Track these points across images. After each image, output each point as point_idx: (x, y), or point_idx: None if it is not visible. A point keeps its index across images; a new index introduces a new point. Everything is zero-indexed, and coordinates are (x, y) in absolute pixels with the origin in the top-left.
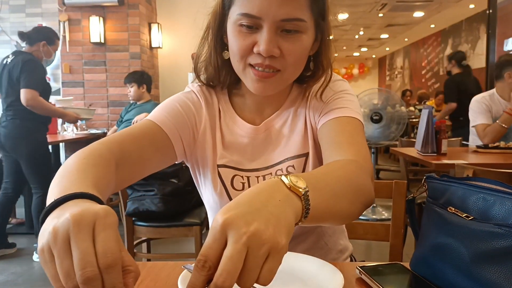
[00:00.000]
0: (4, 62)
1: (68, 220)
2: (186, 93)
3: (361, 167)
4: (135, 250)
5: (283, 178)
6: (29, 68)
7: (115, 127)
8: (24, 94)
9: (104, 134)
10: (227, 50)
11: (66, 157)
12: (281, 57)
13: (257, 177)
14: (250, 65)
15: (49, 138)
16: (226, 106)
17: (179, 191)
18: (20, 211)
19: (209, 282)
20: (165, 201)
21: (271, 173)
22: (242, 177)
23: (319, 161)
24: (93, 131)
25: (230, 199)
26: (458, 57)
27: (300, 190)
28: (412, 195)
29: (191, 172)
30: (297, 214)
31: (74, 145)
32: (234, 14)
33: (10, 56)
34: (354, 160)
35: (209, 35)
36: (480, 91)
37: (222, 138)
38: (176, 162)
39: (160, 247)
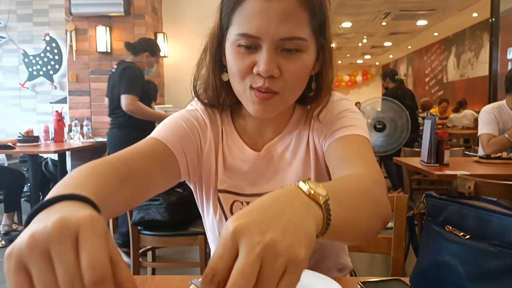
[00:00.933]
0: (110, 73)
1: (48, 229)
2: (190, 110)
3: (376, 181)
4: (140, 259)
5: (301, 184)
6: (127, 75)
7: None
8: (123, 100)
9: None
10: (226, 72)
11: (73, 165)
12: (281, 78)
13: None
14: (250, 87)
15: (56, 146)
16: (229, 128)
17: (184, 200)
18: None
19: None
20: (170, 210)
21: None
22: (242, 203)
23: None
24: (99, 139)
25: None
26: (390, 74)
27: (321, 198)
28: (412, 212)
29: (193, 192)
30: (318, 224)
31: (80, 153)
32: (232, 35)
33: (115, 66)
34: (367, 174)
35: (206, 56)
36: (413, 101)
37: (224, 161)
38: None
39: (166, 255)
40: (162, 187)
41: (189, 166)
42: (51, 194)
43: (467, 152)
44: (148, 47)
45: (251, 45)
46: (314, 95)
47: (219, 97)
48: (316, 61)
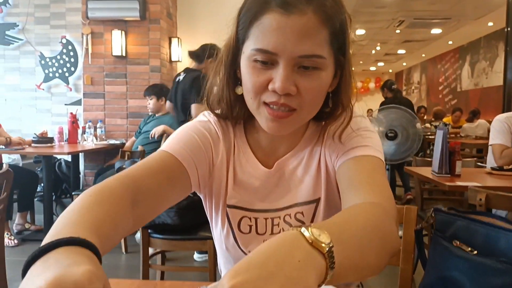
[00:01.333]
0: (177, 80)
1: None
2: (202, 122)
3: (386, 211)
4: (150, 262)
5: (304, 231)
6: (198, 84)
7: (133, 138)
8: (194, 109)
9: (122, 145)
10: (240, 84)
11: (86, 166)
12: (297, 95)
13: (266, 219)
14: (265, 103)
15: (69, 148)
16: (242, 142)
17: (195, 205)
18: (39, 217)
19: None
20: (180, 214)
21: (279, 217)
22: (250, 218)
23: (331, 207)
24: (112, 141)
25: (236, 241)
26: (388, 85)
27: (324, 246)
28: (420, 225)
29: (203, 203)
30: (319, 276)
31: (93, 155)
32: (248, 49)
33: (182, 74)
34: (377, 204)
35: (221, 69)
36: (412, 109)
37: (235, 175)
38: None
39: (175, 258)
40: (173, 201)
41: (200, 179)
42: (51, 230)
43: (479, 163)
44: (210, 53)
45: (267, 61)
46: (329, 111)
47: (233, 110)
48: (334, 78)
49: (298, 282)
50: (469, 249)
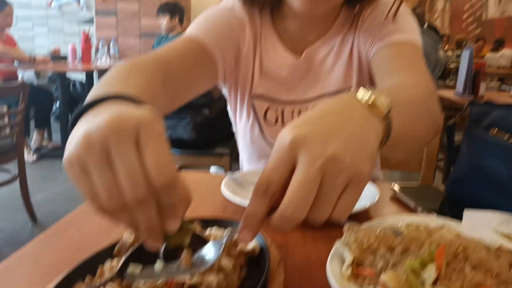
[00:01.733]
0: None
1: (105, 126)
2: (228, 8)
3: (430, 89)
4: None
5: (361, 92)
6: None
7: None
8: None
9: None
10: None
11: None
12: None
13: (292, 110)
14: None
15: (83, 66)
16: (268, 29)
17: (211, 122)
18: (56, 136)
19: (270, 212)
20: (197, 130)
21: (307, 108)
22: (276, 109)
23: None
24: None
25: (262, 133)
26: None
27: (384, 108)
28: (453, 120)
29: (227, 96)
30: (378, 137)
31: None
32: None
33: None
34: (421, 82)
35: None
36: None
37: (261, 64)
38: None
39: None
40: (199, 88)
41: (226, 67)
42: (94, 91)
43: (503, 86)
44: None
45: None
46: None
47: None
48: None
49: (362, 138)
50: (508, 135)
